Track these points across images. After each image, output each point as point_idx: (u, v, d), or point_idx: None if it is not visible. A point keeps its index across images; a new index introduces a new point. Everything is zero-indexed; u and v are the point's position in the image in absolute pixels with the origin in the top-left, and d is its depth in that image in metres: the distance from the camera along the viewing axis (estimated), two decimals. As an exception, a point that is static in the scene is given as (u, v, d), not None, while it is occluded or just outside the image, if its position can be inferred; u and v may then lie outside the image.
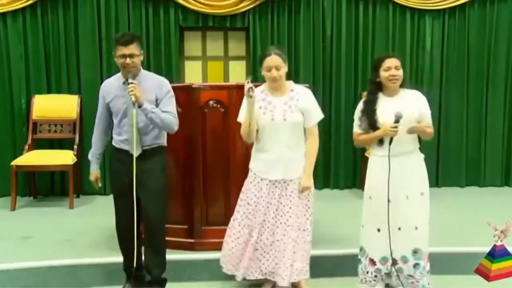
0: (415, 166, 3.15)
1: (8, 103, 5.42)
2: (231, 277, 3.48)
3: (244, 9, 5.59)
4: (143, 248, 3.18)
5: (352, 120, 3.32)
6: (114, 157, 3.18)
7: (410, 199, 3.10)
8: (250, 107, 3.04)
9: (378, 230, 3.11)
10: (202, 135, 3.70)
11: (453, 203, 5.10)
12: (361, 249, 3.24)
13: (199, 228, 3.74)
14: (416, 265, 3.13)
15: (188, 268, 3.55)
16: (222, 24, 5.68)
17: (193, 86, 3.76)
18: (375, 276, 3.18)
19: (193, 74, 5.92)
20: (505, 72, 5.84)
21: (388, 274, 3.19)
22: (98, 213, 4.72)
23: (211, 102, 3.69)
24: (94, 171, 3.30)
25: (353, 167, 5.77)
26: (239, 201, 3.28)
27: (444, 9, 5.75)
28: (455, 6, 5.74)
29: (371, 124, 3.11)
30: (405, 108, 3.04)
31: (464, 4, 5.74)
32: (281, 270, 3.13)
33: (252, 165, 3.28)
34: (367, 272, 3.20)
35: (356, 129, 3.24)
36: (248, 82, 2.99)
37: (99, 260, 3.50)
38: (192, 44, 5.94)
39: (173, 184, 3.79)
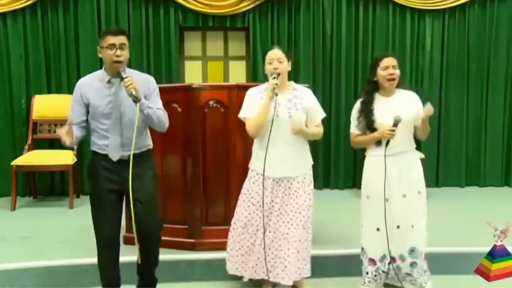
0: (411, 165, 3.17)
1: (8, 103, 5.42)
2: (231, 277, 3.48)
3: (244, 9, 5.59)
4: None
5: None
6: (97, 164, 2.89)
7: (408, 198, 3.11)
8: (270, 102, 3.05)
9: (378, 229, 3.11)
10: (202, 135, 3.70)
11: (453, 203, 5.10)
12: (362, 249, 3.24)
13: (199, 228, 3.74)
14: (413, 264, 3.14)
15: (188, 268, 3.54)
16: (222, 24, 5.68)
17: (193, 86, 3.76)
18: (375, 275, 3.18)
19: (193, 74, 5.92)
20: (505, 72, 5.84)
21: (387, 273, 3.20)
22: (98, 213, 4.72)
23: (211, 102, 3.69)
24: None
25: (353, 167, 5.77)
26: (241, 202, 3.27)
27: (444, 9, 5.75)
28: (455, 6, 5.75)
29: (369, 124, 3.12)
30: (402, 109, 3.06)
31: (464, 4, 5.75)
32: (286, 269, 3.13)
33: (254, 164, 3.26)
34: (367, 273, 3.20)
35: (353, 129, 3.23)
36: (274, 78, 3.04)
37: (99, 260, 3.50)
38: (192, 44, 5.94)
39: (173, 184, 3.80)
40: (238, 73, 5.94)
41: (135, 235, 2.84)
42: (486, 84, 5.86)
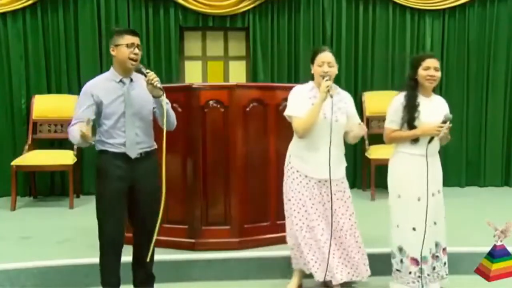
0: (438, 166, 3.24)
1: (8, 103, 5.43)
2: (231, 277, 3.48)
3: (244, 9, 5.59)
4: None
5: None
6: (108, 163, 2.87)
7: (435, 197, 3.16)
8: (322, 103, 3.06)
9: (414, 229, 3.09)
10: (202, 135, 3.69)
11: (453, 203, 5.09)
12: (400, 249, 3.17)
13: (199, 228, 3.74)
14: (436, 257, 3.19)
15: (188, 268, 3.54)
16: (222, 24, 5.69)
17: (193, 86, 3.76)
18: (419, 276, 3.12)
19: (193, 74, 5.92)
20: (505, 72, 5.84)
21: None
22: (98, 213, 4.72)
23: (211, 102, 3.69)
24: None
25: (353, 167, 5.75)
26: (290, 205, 3.22)
27: (444, 9, 5.76)
28: (455, 6, 5.75)
29: (410, 120, 3.09)
30: (441, 111, 3.08)
31: (464, 4, 5.75)
32: (358, 266, 3.22)
33: (296, 164, 3.22)
34: (410, 273, 3.13)
35: (391, 124, 3.18)
36: (327, 80, 3.06)
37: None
38: (192, 44, 5.94)
39: (173, 184, 3.78)
40: (238, 73, 5.94)
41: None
42: (486, 84, 5.86)
